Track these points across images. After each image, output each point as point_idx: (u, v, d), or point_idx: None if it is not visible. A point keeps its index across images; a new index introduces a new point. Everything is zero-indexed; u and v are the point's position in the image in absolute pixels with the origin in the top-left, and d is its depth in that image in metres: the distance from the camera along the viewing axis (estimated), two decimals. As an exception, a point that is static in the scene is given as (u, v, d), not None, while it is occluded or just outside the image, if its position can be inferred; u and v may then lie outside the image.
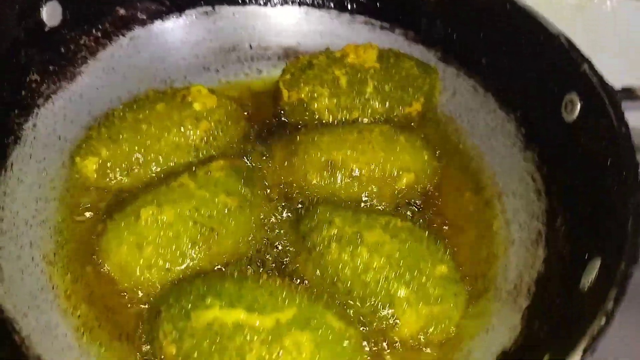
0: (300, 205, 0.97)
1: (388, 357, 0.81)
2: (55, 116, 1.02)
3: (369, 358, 0.78)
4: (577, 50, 0.91)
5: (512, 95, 1.05)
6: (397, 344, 0.81)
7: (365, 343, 0.80)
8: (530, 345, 0.75)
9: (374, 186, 0.98)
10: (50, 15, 1.00)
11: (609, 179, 0.79)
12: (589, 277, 0.72)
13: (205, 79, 1.16)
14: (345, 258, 0.85)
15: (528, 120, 1.02)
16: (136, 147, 0.98)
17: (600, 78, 0.86)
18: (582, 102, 0.88)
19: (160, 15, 1.17)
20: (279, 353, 0.73)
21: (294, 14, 1.23)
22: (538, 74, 0.98)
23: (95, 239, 0.90)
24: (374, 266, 0.83)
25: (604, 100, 0.83)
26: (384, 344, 0.81)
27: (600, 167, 0.81)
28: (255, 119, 1.11)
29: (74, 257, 0.89)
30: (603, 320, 0.61)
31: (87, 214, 0.95)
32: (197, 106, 1.02)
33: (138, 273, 0.85)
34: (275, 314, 0.76)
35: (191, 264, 0.87)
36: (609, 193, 0.78)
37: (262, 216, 0.95)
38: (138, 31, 1.15)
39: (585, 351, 0.58)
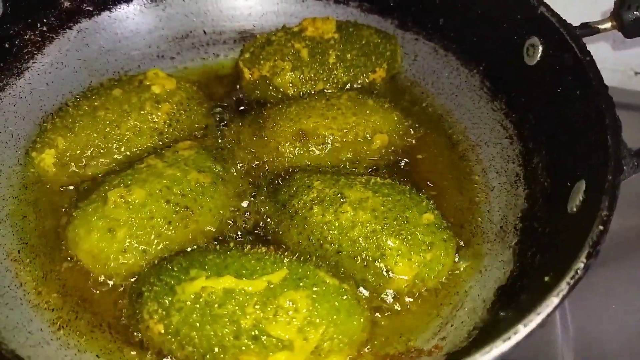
0: (275, 177, 0.94)
1: (386, 309, 0.78)
2: (5, 113, 0.96)
3: (367, 311, 0.75)
4: (532, -6, 0.92)
5: (473, 50, 1.06)
6: (394, 295, 0.79)
7: (362, 297, 0.77)
8: (527, 274, 0.74)
9: (348, 150, 0.97)
10: (-11, 8, 0.95)
11: (581, 106, 0.80)
12: (576, 200, 0.73)
13: (161, 67, 1.11)
14: (329, 218, 0.82)
15: (492, 72, 1.03)
16: (95, 135, 0.93)
17: (558, 17, 0.88)
18: (543, 43, 0.90)
19: (107, 6, 1.12)
20: (275, 313, 0.69)
21: (246, -4, 1.21)
22: (496, 25, 1.00)
23: (61, 231, 0.84)
24: (360, 221, 0.81)
25: (564, 36, 0.85)
26: (381, 296, 0.78)
27: (570, 99, 0.83)
28: (218, 102, 1.08)
29: (41, 252, 0.84)
30: (600, 227, 0.60)
31: (50, 208, 0.88)
32: (155, 89, 0.99)
33: (112, 258, 0.80)
34: (265, 277, 0.72)
35: (169, 243, 0.82)
36: (582, 119, 0.79)
37: (237, 191, 0.92)
38: (85, 23, 1.10)
39: (588, 257, 0.58)
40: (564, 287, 0.55)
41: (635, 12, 0.83)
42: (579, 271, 0.57)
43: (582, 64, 0.80)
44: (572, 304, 0.97)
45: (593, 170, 0.71)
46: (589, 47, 0.83)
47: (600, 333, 0.95)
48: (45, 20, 1.05)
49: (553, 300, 0.54)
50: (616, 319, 0.95)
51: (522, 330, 0.52)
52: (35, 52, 1.03)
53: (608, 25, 0.87)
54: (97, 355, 0.73)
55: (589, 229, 0.61)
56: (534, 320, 0.53)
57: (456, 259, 0.83)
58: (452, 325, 0.76)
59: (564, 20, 0.86)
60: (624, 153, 0.68)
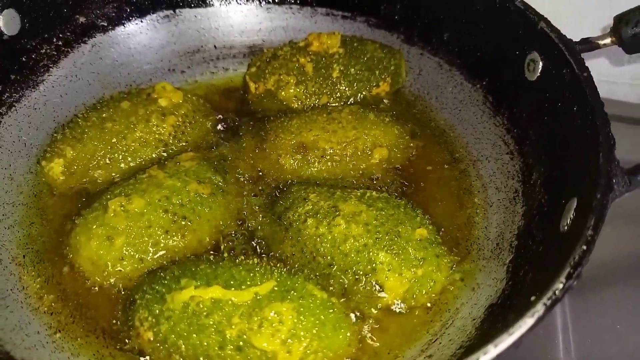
0: (274, 189, 0.95)
1: (375, 324, 0.78)
2: (20, 124, 1.00)
3: (355, 326, 0.75)
4: (533, 10, 0.92)
5: (477, 66, 1.06)
6: (383, 310, 0.79)
7: (350, 311, 0.77)
8: (518, 293, 0.73)
9: (348, 164, 0.98)
10: (8, 23, 0.99)
11: (577, 122, 0.79)
12: (567, 218, 0.72)
13: (171, 81, 1.15)
14: (323, 231, 0.83)
15: (494, 88, 1.03)
16: (102, 145, 0.96)
17: (558, 32, 0.87)
18: (543, 58, 0.89)
19: (121, 21, 1.16)
20: (260, 325, 0.70)
21: (256, 12, 1.23)
22: (499, 41, 1.00)
23: (64, 238, 0.87)
24: (353, 235, 0.81)
25: (563, 52, 0.84)
26: (370, 311, 0.78)
27: (568, 115, 0.82)
28: (225, 114, 1.10)
29: (45, 257, 0.87)
30: (583, 247, 0.59)
31: (56, 216, 0.92)
32: (162, 102, 1.01)
33: (110, 265, 0.82)
34: (253, 289, 0.73)
35: (165, 253, 0.84)
36: (579, 136, 0.78)
37: (236, 202, 0.93)
38: (99, 38, 1.14)
39: (568, 277, 0.57)
40: (539, 308, 0.55)
41: (634, 28, 0.82)
42: (557, 292, 0.56)
43: (580, 80, 0.79)
44: (575, 325, 0.95)
45: (584, 188, 0.70)
46: (596, 60, 0.82)
47: (603, 355, 0.92)
48: (61, 35, 1.09)
49: (527, 321, 0.54)
50: (620, 340, 0.92)
51: (492, 351, 0.51)
52: (50, 65, 1.07)
53: (608, 40, 0.86)
54: (89, 360, 0.75)
55: (573, 247, 0.60)
56: (505, 340, 0.52)
57: (449, 275, 0.82)
58: (440, 343, 0.75)
59: (564, 35, 0.86)
60: (615, 171, 0.67)
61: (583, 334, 0.94)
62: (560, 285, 0.56)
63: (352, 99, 1.09)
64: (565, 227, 0.71)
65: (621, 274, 1.01)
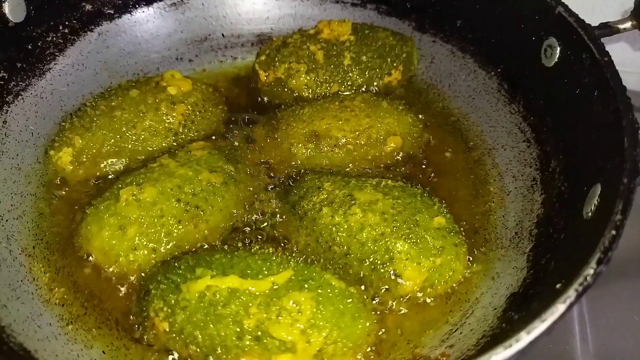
0: (287, 178, 0.94)
1: (393, 314, 0.77)
2: (27, 113, 0.98)
3: (373, 316, 0.73)
4: (549, -6, 0.90)
5: (491, 52, 1.04)
6: (401, 300, 0.77)
7: (368, 301, 0.76)
8: (541, 281, 0.72)
9: (361, 152, 0.96)
10: (14, 10, 0.97)
11: (598, 108, 0.77)
12: (591, 204, 0.70)
13: (179, 70, 1.12)
14: (338, 220, 0.82)
15: (510, 75, 1.01)
16: (111, 134, 0.94)
17: (577, 17, 0.86)
18: (561, 44, 0.88)
19: (128, 9, 1.14)
20: (278, 314, 0.68)
21: (264, 0, 1.22)
22: (514, 27, 0.98)
23: (75, 228, 0.85)
24: (369, 224, 0.80)
25: (582, 36, 0.83)
26: (389, 301, 0.77)
27: (588, 101, 0.80)
28: (234, 104, 1.08)
29: (55, 248, 0.85)
30: (612, 232, 0.58)
31: (65, 206, 0.90)
32: (171, 90, 1.00)
33: (122, 255, 0.80)
34: (270, 278, 0.72)
35: (178, 242, 0.83)
36: (600, 122, 0.76)
37: (248, 191, 0.92)
38: (106, 26, 1.12)
39: (599, 262, 0.55)
40: (571, 293, 0.53)
41: (657, 11, 0.80)
42: (588, 278, 0.55)
43: (600, 65, 0.77)
44: (592, 318, 0.94)
45: (609, 174, 0.68)
46: (614, 50, 0.80)
47: (620, 346, 0.91)
48: (67, 23, 1.07)
49: (559, 307, 0.52)
50: (638, 332, 0.91)
51: (524, 338, 0.50)
52: (57, 53, 1.05)
53: (628, 24, 0.84)
54: (102, 352, 0.73)
55: (601, 234, 0.59)
56: (538, 327, 0.51)
57: (468, 264, 0.81)
58: (460, 333, 0.74)
59: (582, 20, 0.84)
60: (641, 156, 0.66)
61: (600, 325, 0.93)
62: (592, 271, 0.55)
63: (363, 87, 1.07)
64: (589, 214, 0.69)
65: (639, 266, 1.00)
